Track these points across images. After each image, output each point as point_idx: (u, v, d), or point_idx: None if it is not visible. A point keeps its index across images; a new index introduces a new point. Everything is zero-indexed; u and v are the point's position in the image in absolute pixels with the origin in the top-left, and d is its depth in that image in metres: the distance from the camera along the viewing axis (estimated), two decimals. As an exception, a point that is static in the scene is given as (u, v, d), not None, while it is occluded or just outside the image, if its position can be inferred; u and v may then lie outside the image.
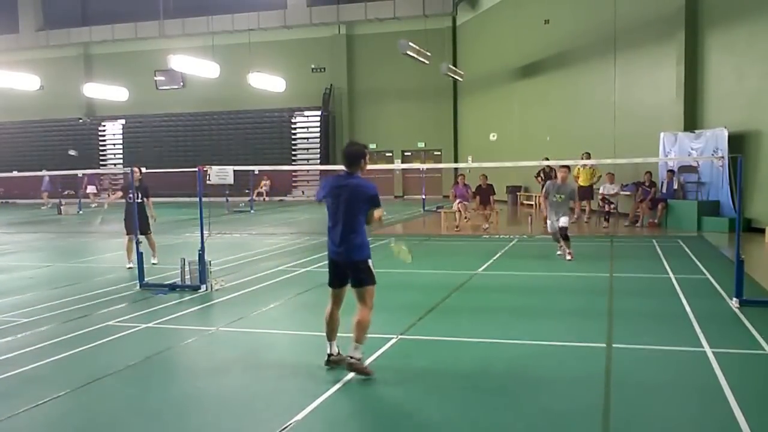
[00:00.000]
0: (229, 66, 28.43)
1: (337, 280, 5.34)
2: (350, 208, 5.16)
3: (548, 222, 11.19)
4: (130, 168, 11.26)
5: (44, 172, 23.84)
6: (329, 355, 5.39)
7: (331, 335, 5.40)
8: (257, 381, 5.35)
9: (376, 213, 5.28)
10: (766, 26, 14.63)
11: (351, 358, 5.14)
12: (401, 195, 32.53)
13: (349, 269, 5.21)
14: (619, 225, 16.60)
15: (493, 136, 22.22)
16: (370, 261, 5.24)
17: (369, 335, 5.20)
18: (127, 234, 10.97)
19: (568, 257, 11.00)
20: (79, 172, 25.92)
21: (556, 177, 18.84)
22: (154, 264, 11.15)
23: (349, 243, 5.15)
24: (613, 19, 19.29)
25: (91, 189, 29.70)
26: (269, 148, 32.22)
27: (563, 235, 10.98)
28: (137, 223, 10.39)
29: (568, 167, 11.00)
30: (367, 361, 5.53)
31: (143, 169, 11.56)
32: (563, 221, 11.02)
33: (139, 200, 10.78)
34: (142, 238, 10.43)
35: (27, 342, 6.52)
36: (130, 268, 10.72)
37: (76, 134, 35.57)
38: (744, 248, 7.91)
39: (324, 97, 32.65)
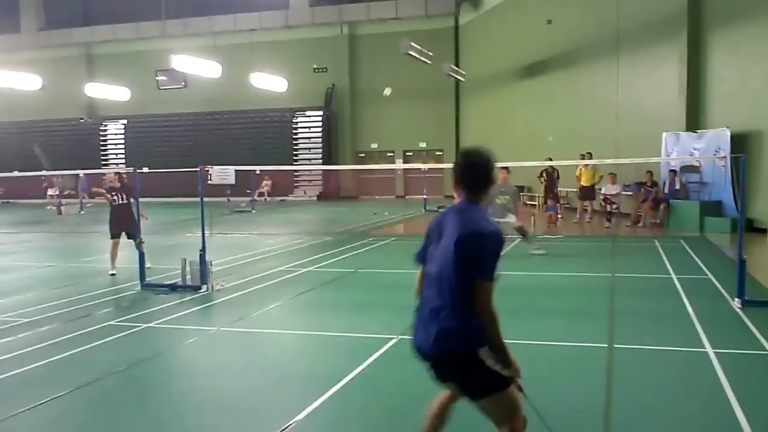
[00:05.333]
0: (231, 66, 28.44)
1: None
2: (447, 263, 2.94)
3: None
4: (134, 169, 11.33)
5: (81, 172, 23.70)
6: None
7: None
8: (258, 381, 5.34)
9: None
10: (768, 26, 14.62)
11: None
12: (403, 195, 32.55)
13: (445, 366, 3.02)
14: (621, 225, 16.57)
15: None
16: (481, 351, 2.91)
17: (369, 335, 5.03)
18: (112, 238, 10.60)
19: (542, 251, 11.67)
20: (81, 173, 25.87)
21: (558, 177, 18.96)
22: (148, 268, 10.97)
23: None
24: (615, 19, 19.26)
25: (51, 191, 27.39)
26: (271, 148, 32.19)
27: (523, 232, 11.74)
28: (126, 225, 10.42)
29: (507, 168, 11.37)
30: (367, 361, 5.52)
31: (145, 170, 11.50)
32: (512, 219, 11.55)
33: (125, 201, 10.62)
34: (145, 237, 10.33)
35: (27, 342, 6.51)
36: (113, 274, 10.34)
37: (77, 134, 35.61)
38: (746, 248, 7.87)
39: (326, 97, 32.66)
